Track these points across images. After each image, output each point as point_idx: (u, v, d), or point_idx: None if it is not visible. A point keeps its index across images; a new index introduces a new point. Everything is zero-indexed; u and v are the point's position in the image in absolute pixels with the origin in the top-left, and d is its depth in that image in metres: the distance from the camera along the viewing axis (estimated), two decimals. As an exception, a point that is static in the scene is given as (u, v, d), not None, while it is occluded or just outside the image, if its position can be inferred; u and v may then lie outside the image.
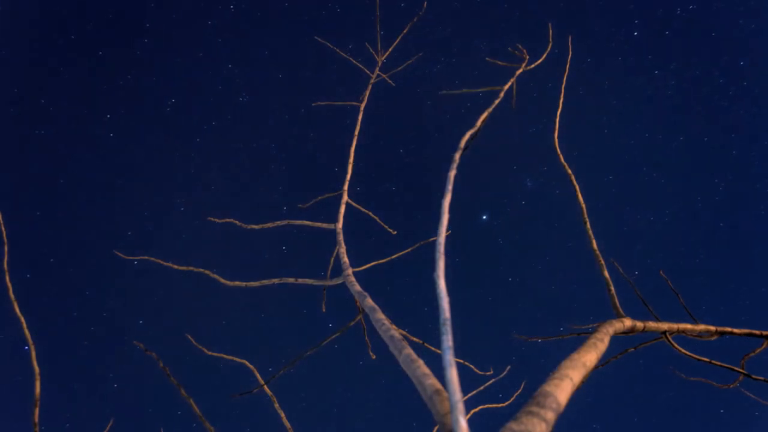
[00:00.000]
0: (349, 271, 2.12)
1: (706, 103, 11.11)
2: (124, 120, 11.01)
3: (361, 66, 3.36)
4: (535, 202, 12.14)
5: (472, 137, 1.40)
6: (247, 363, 2.80)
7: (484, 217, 12.28)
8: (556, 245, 11.85)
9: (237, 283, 2.55)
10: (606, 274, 2.17)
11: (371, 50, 3.36)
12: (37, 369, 2.01)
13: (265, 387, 2.67)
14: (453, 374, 0.73)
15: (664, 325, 2.05)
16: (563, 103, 2.59)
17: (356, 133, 2.94)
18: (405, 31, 3.41)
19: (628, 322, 1.86)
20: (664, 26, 10.98)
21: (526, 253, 12.24)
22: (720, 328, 2.27)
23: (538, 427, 0.97)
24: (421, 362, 1.27)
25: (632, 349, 2.23)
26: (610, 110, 11.53)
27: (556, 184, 11.76)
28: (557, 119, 2.56)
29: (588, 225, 2.30)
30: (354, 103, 3.16)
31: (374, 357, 2.68)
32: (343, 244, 2.39)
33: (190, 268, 2.65)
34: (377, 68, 3.32)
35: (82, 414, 10.77)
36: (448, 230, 0.98)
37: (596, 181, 11.37)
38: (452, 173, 1.08)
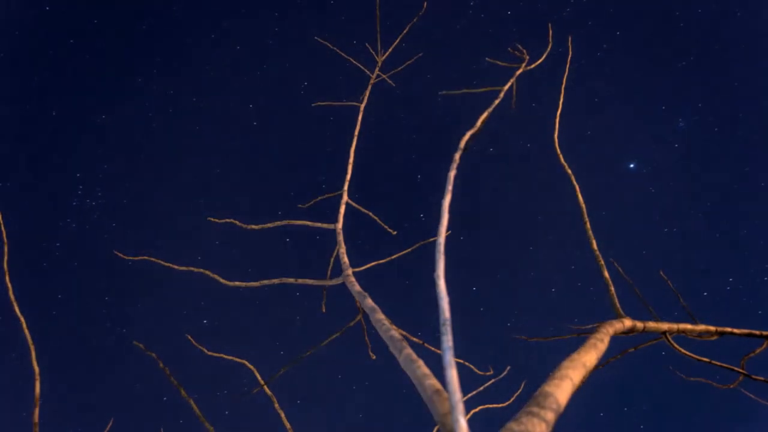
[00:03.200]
0: (349, 271, 2.12)
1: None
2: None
3: (361, 66, 3.36)
4: (689, 146, 10.82)
5: (472, 137, 1.40)
6: (247, 363, 2.80)
7: (631, 166, 11.18)
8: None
9: (237, 283, 2.55)
10: (606, 274, 2.17)
11: (371, 50, 3.36)
12: (37, 369, 2.01)
13: (265, 387, 2.68)
14: (453, 374, 0.73)
15: (664, 325, 2.05)
16: (563, 103, 2.59)
17: (356, 133, 2.95)
18: (405, 31, 3.41)
19: (628, 322, 1.86)
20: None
21: (683, 202, 11.11)
22: (720, 328, 2.27)
23: (538, 427, 0.97)
24: (421, 362, 1.27)
25: (632, 349, 2.23)
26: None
27: (713, 121, 10.66)
28: (557, 119, 2.56)
29: (588, 225, 2.30)
30: (354, 104, 3.16)
31: (374, 357, 2.68)
32: (343, 244, 2.39)
33: (190, 268, 2.65)
34: (377, 68, 3.32)
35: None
36: (448, 230, 0.99)
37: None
38: (452, 173, 1.08)
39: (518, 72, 2.25)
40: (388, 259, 2.77)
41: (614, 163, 11.31)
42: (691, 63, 10.72)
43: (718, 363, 2.24)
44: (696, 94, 10.82)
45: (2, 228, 2.18)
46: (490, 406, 2.97)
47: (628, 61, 10.92)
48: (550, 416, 1.03)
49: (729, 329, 2.30)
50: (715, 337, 2.27)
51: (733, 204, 11.00)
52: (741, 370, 2.31)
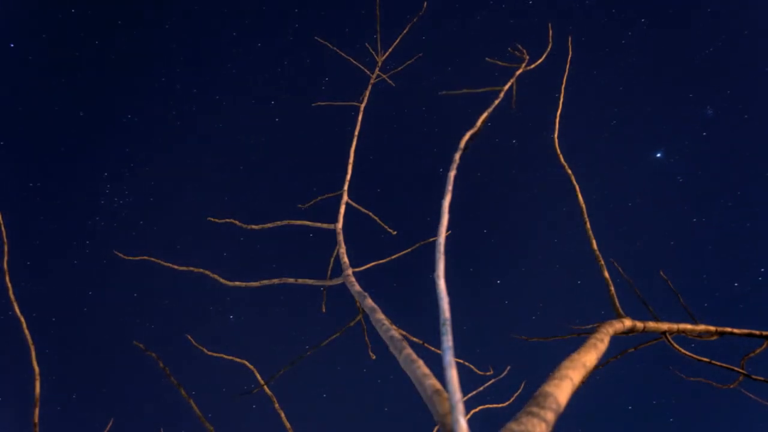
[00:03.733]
0: (349, 271, 2.12)
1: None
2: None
3: (361, 66, 3.36)
4: (719, 134, 10.37)
5: (472, 137, 1.40)
6: (247, 363, 2.80)
7: (658, 155, 10.83)
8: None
9: (237, 283, 2.55)
10: (606, 274, 2.17)
11: (371, 50, 3.36)
12: (37, 369, 2.01)
13: (265, 387, 2.68)
14: (453, 374, 0.73)
15: (664, 325, 2.05)
16: (563, 103, 2.59)
17: (356, 133, 2.94)
18: (405, 31, 3.41)
19: (628, 323, 1.86)
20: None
21: (709, 192, 10.63)
22: (720, 328, 2.27)
23: (538, 427, 0.97)
24: (421, 362, 1.27)
25: (632, 349, 2.23)
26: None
27: (742, 108, 10.11)
28: (557, 119, 2.56)
29: (588, 225, 2.30)
30: (354, 104, 3.16)
31: (374, 357, 2.68)
32: (343, 244, 2.39)
33: (190, 268, 2.65)
34: (377, 68, 3.32)
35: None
36: (448, 230, 0.98)
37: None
38: (452, 173, 1.08)
39: (518, 72, 2.25)
40: (388, 259, 2.77)
41: (641, 153, 11.02)
42: (718, 48, 10.36)
43: (718, 363, 2.24)
44: (724, 81, 10.43)
45: (2, 228, 2.18)
46: (490, 406, 2.97)
47: (653, 47, 10.60)
48: (550, 416, 1.03)
49: (729, 329, 2.30)
50: (715, 337, 2.27)
51: (764, 194, 10.72)
52: (741, 370, 2.31)
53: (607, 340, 1.59)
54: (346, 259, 2.24)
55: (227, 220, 2.92)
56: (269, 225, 2.80)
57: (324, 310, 2.80)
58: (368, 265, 2.54)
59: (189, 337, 2.91)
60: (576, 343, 1.55)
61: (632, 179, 11.11)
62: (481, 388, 2.91)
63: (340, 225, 2.56)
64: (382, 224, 3.02)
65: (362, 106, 3.11)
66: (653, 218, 11.14)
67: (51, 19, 10.33)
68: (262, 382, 2.70)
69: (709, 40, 10.38)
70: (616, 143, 11.12)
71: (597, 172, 11.11)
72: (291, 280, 2.48)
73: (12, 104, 10.48)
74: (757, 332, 2.32)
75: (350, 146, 2.89)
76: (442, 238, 0.91)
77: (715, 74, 10.50)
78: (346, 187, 2.76)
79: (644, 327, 1.95)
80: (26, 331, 2.04)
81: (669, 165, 10.94)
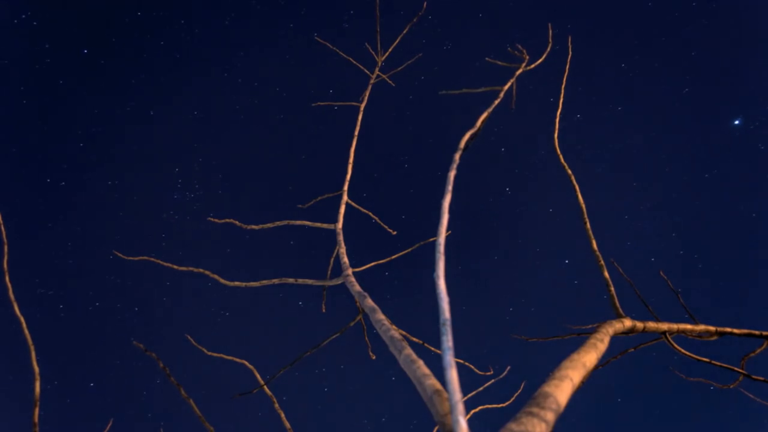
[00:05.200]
0: (349, 271, 2.12)
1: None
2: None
3: (361, 66, 3.36)
4: None
5: (472, 137, 1.40)
6: (247, 363, 2.80)
7: (737, 122, 10.01)
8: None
9: (237, 283, 2.55)
10: (606, 274, 2.17)
11: (371, 51, 3.36)
12: (37, 369, 2.01)
13: (265, 387, 2.68)
14: (453, 375, 0.73)
15: (664, 326, 2.05)
16: (563, 103, 2.59)
17: (356, 133, 2.94)
18: (405, 31, 3.41)
19: (628, 323, 1.86)
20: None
21: None
22: (720, 329, 2.27)
23: (537, 427, 0.97)
24: (421, 362, 1.27)
25: (632, 349, 2.23)
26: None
27: None
28: (557, 119, 2.56)
29: (588, 225, 2.30)
30: (354, 104, 3.16)
31: (374, 357, 2.68)
32: (343, 244, 2.39)
33: (190, 268, 2.65)
34: (377, 68, 3.32)
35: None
36: (447, 230, 0.98)
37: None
38: (452, 173, 1.08)
39: (518, 72, 2.25)
40: (388, 259, 2.77)
41: (717, 121, 10.24)
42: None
43: (718, 363, 2.24)
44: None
45: (2, 228, 2.18)
46: (490, 406, 2.97)
47: (725, 6, 9.85)
48: (550, 416, 1.03)
49: (729, 329, 2.30)
50: (715, 337, 2.27)
51: None
52: (741, 370, 2.31)
53: (607, 340, 1.59)
54: (346, 259, 2.24)
55: (227, 220, 2.92)
56: (269, 225, 2.80)
57: (324, 310, 2.80)
58: (368, 265, 2.55)
59: (189, 337, 2.91)
60: (576, 343, 1.55)
61: (709, 149, 10.34)
62: (481, 388, 2.91)
63: (340, 225, 2.56)
64: (382, 224, 3.02)
65: (362, 106, 3.11)
66: (731, 190, 10.38)
67: (118, 23, 10.55)
68: (261, 382, 2.70)
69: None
70: (690, 112, 10.26)
71: (670, 143, 10.31)
72: (291, 280, 2.48)
73: (89, 107, 10.64)
74: (757, 332, 2.32)
75: (350, 146, 2.89)
76: (441, 239, 0.91)
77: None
78: (346, 187, 2.76)
79: (644, 327, 1.95)
80: (26, 331, 2.04)
81: (749, 132, 10.12)
